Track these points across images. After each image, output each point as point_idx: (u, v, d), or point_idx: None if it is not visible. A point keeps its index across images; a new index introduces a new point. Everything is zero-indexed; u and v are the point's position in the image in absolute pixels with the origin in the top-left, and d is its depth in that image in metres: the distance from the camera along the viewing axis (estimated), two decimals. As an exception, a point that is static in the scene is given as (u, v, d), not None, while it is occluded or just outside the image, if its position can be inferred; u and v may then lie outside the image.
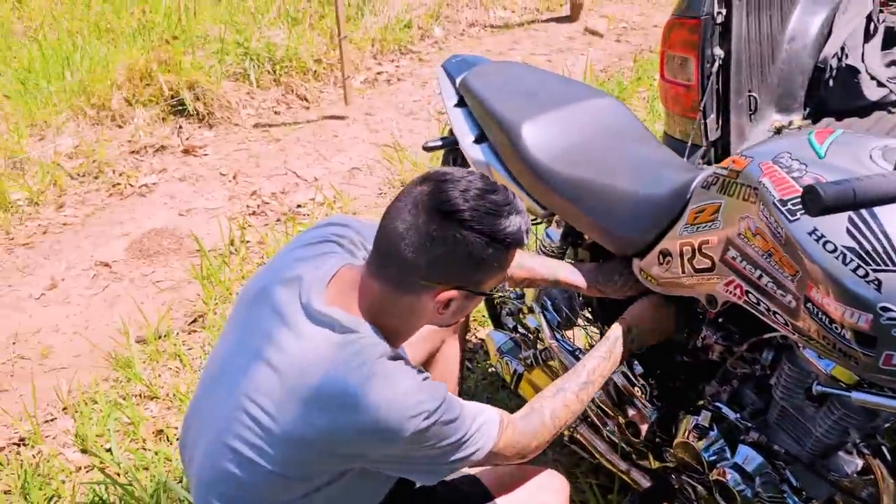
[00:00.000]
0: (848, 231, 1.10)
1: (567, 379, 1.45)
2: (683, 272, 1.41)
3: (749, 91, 2.52)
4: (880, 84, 2.65)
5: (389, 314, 1.23)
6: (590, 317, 1.90)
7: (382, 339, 1.21)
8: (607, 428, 1.72)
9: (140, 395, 2.47)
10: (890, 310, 1.07)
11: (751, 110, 2.54)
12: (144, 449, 2.25)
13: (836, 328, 1.13)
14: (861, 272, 1.08)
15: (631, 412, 1.65)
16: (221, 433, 1.23)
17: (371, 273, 1.22)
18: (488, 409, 1.32)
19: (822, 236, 1.11)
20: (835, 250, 1.10)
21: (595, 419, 1.76)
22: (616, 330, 1.51)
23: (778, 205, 1.17)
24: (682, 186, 1.46)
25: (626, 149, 1.71)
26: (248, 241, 3.28)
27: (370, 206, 3.57)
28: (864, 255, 1.08)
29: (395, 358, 1.21)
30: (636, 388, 1.63)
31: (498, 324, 2.29)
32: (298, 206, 3.60)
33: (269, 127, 4.36)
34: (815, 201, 0.88)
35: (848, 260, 1.09)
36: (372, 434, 1.16)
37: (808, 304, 1.16)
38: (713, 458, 1.46)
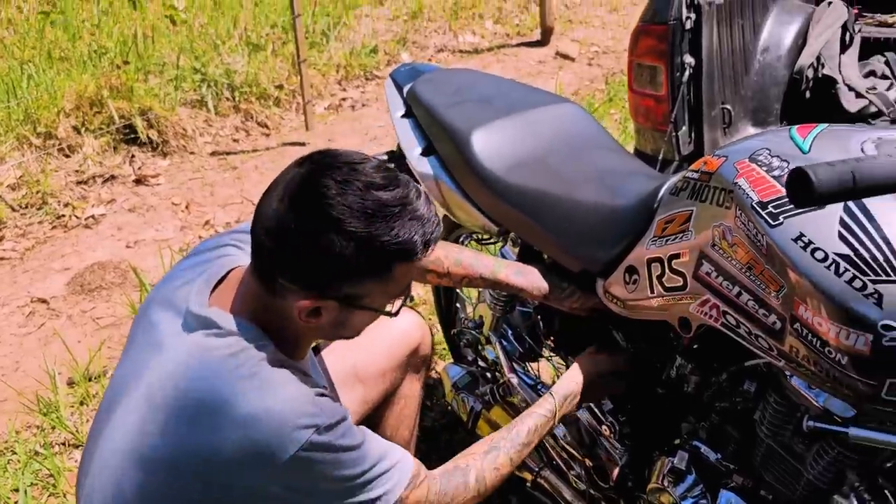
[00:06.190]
0: (840, 236, 0.92)
1: (503, 436, 1.26)
2: (652, 292, 1.23)
3: (723, 103, 2.38)
4: (859, 95, 2.51)
5: (269, 319, 1.03)
6: (553, 347, 1.71)
7: (270, 343, 1.01)
8: (573, 472, 1.52)
9: (65, 444, 2.24)
10: (893, 328, 0.89)
11: (725, 123, 2.40)
12: (65, 504, 2.02)
13: (829, 352, 0.95)
14: (858, 284, 0.90)
15: (600, 454, 1.45)
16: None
17: (250, 269, 1.04)
18: (404, 453, 1.12)
19: (811, 243, 0.94)
20: (825, 259, 0.93)
21: (560, 462, 1.55)
22: (566, 386, 1.34)
23: (757, 208, 1.00)
24: (650, 195, 1.29)
25: (589, 158, 1.54)
26: (196, 273, 3.06)
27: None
28: (861, 264, 0.91)
29: (285, 366, 1.01)
30: (604, 427, 1.43)
31: (459, 356, 2.09)
32: (253, 235, 3.39)
33: (226, 155, 4.17)
34: (804, 188, 0.69)
35: (842, 270, 0.91)
36: (248, 453, 0.94)
37: (796, 325, 0.98)
38: (692, 505, 1.27)
